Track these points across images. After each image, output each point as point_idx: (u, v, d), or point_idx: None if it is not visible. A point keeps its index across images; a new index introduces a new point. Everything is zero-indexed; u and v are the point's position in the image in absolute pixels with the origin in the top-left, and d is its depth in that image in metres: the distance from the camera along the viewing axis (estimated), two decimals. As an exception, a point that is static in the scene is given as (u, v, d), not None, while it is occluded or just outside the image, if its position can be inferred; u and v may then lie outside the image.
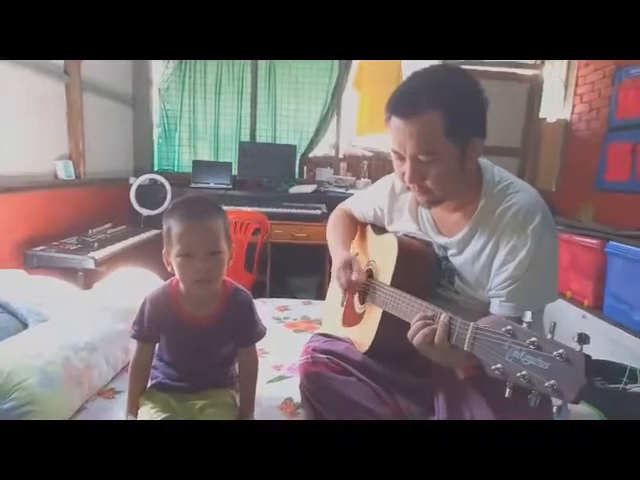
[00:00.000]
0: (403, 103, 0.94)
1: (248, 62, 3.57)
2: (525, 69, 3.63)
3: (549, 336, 0.68)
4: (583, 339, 0.63)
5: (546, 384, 0.65)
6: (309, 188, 3.39)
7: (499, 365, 0.72)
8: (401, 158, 0.98)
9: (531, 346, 0.69)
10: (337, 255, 1.24)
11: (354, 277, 1.13)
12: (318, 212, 3.04)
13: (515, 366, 0.70)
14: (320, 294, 3.12)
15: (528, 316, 0.72)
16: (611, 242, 2.19)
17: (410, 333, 0.89)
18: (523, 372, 0.68)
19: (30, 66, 2.12)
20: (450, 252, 1.07)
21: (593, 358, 0.65)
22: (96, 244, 2.17)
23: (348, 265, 1.16)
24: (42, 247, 2.05)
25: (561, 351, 0.65)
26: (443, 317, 0.85)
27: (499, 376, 0.72)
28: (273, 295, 2.75)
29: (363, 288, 1.20)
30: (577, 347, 0.64)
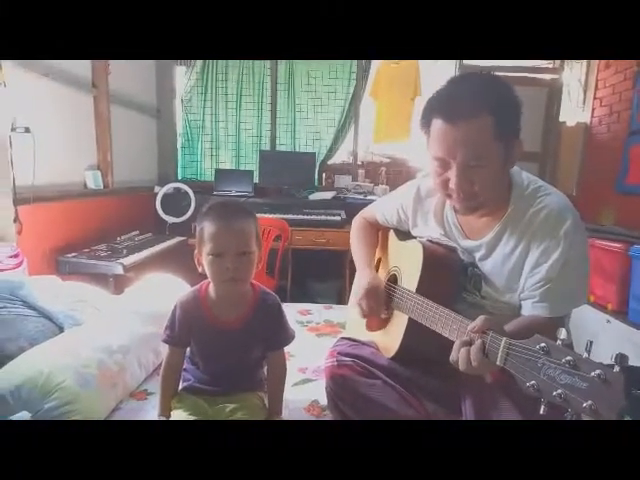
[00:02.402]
0: (452, 107, 0.93)
1: (268, 72, 3.64)
2: (544, 73, 3.62)
3: (585, 355, 0.67)
4: (621, 360, 0.62)
5: (584, 405, 0.64)
6: (328, 195, 3.43)
7: (533, 382, 0.71)
8: (444, 165, 0.97)
9: (567, 365, 0.67)
10: (362, 276, 1.25)
11: (376, 306, 1.16)
12: (337, 218, 3.07)
13: (550, 384, 0.69)
14: (340, 299, 3.14)
15: (562, 333, 0.71)
16: (635, 245, 2.16)
17: (452, 358, 0.88)
18: (559, 391, 0.67)
19: (60, 79, 2.21)
20: (478, 255, 1.07)
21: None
22: (125, 251, 2.23)
23: (372, 293, 1.17)
24: (74, 254, 2.13)
25: (599, 371, 0.63)
26: (478, 342, 0.83)
27: (534, 393, 0.71)
28: (294, 300, 2.79)
29: (387, 294, 1.22)
30: (615, 367, 0.62)
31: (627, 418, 1.26)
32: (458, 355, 0.86)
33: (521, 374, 0.74)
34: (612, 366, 0.64)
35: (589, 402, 0.64)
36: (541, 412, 0.70)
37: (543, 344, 0.71)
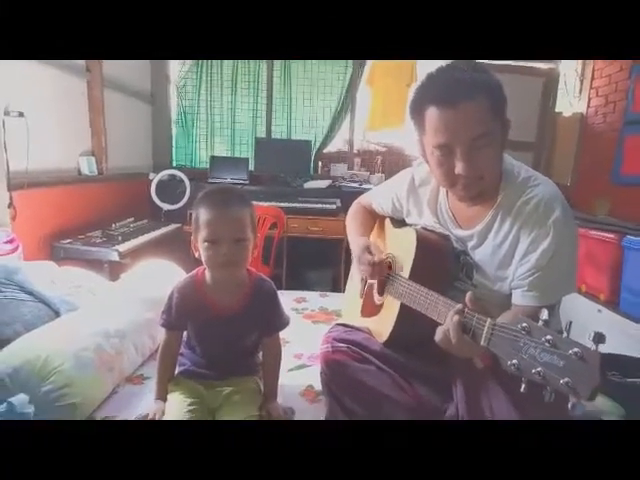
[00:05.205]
0: (449, 91, 0.94)
1: (264, 59, 3.61)
2: (540, 62, 3.62)
3: (565, 334, 0.68)
4: (598, 338, 0.63)
5: (561, 381, 0.66)
6: (324, 183, 3.43)
7: (515, 361, 0.73)
8: (448, 152, 0.97)
9: (546, 344, 0.69)
10: (355, 242, 1.27)
11: (376, 258, 1.16)
12: (333, 207, 3.07)
13: (530, 363, 0.71)
14: (335, 287, 3.16)
15: (545, 314, 0.72)
16: (628, 236, 2.19)
17: (437, 338, 0.90)
18: (538, 369, 0.69)
19: (53, 64, 2.19)
20: (470, 244, 1.08)
21: (610, 352, 0.63)
22: (120, 237, 2.24)
23: (367, 249, 1.19)
24: (69, 240, 2.13)
25: (576, 349, 0.65)
26: (452, 315, 0.86)
27: (515, 372, 0.73)
28: (289, 288, 2.80)
29: (382, 279, 1.23)
30: (592, 346, 0.64)
31: (604, 399, 1.27)
32: (442, 335, 0.88)
33: (503, 353, 0.76)
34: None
35: (566, 379, 0.65)
36: (522, 390, 0.72)
37: (525, 324, 0.73)
